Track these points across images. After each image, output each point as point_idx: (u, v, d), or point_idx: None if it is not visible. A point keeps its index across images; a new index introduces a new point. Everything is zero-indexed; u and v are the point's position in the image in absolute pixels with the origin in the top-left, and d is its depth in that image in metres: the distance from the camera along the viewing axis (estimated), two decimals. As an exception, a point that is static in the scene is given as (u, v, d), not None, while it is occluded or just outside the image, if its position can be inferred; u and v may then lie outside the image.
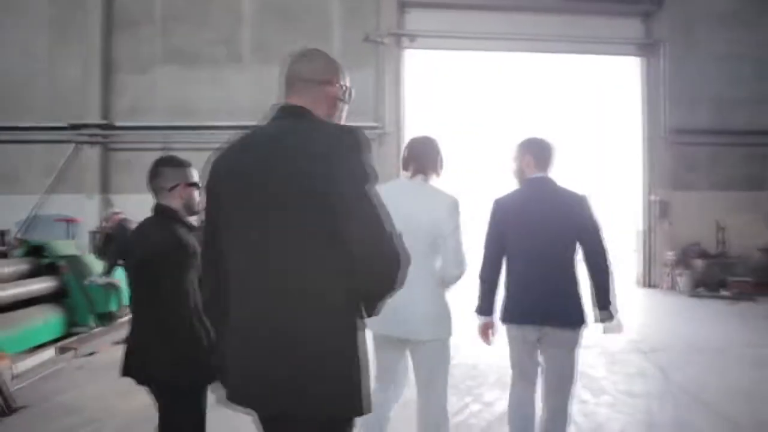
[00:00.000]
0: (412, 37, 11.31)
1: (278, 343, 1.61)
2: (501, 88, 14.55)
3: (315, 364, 1.59)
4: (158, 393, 2.51)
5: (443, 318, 2.85)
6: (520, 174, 3.23)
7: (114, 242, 7.59)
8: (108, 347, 6.49)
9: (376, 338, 2.86)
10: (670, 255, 11.83)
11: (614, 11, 11.99)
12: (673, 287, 11.60)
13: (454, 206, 2.83)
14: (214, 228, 1.79)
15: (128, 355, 2.54)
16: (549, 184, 3.15)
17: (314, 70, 1.82)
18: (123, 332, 6.03)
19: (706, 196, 12.08)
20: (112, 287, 7.40)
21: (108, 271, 7.38)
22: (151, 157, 10.63)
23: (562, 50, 11.92)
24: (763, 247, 11.98)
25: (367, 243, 1.59)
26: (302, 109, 1.75)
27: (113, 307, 7.41)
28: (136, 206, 10.80)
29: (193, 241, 2.49)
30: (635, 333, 7.56)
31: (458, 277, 2.83)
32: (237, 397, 1.69)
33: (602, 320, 3.11)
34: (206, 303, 1.93)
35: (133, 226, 7.73)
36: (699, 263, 11.48)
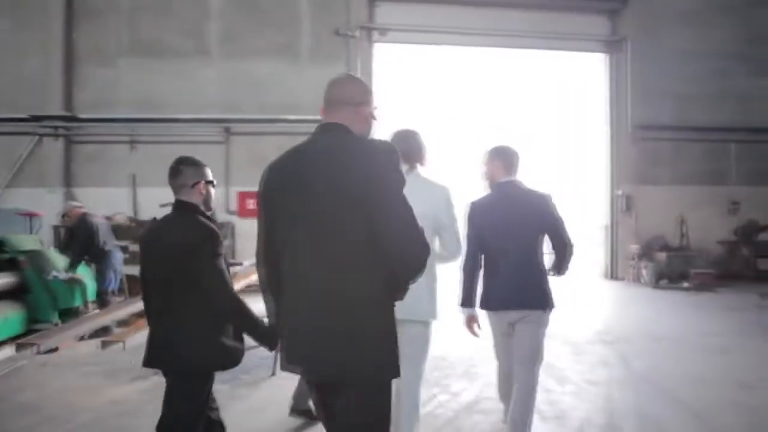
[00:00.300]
0: (383, 31, 11.31)
1: (329, 323, 1.93)
2: (471, 83, 14.63)
3: (359, 339, 1.92)
4: (176, 378, 2.68)
5: (435, 302, 3.14)
6: (491, 178, 3.61)
7: (77, 237, 7.40)
8: (72, 343, 6.35)
9: None
10: (634, 248, 12.13)
11: (581, 8, 12.21)
12: (637, 279, 11.91)
13: (449, 196, 3.18)
14: (270, 224, 2.12)
15: (153, 346, 2.71)
16: (517, 186, 3.57)
17: (352, 94, 2.16)
18: (86, 327, 5.93)
19: (669, 191, 12.42)
20: (76, 282, 7.23)
21: (71, 266, 7.21)
22: (117, 150, 10.48)
23: (531, 46, 12.07)
24: (722, 240, 12.40)
25: (402, 237, 1.94)
26: (342, 126, 2.08)
27: (77, 303, 7.24)
28: (101, 200, 10.64)
29: (219, 230, 2.75)
30: (600, 324, 7.75)
31: (458, 256, 3.30)
32: (295, 368, 2.04)
33: (554, 275, 3.63)
34: (263, 287, 2.21)
35: (97, 220, 7.61)
36: (662, 256, 11.80)
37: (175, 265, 2.62)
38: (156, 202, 10.84)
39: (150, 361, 2.74)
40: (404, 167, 2.88)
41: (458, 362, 5.80)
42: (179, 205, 2.78)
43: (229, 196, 11.21)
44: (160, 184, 11.61)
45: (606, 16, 12.32)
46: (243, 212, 11.30)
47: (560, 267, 3.60)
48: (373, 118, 2.21)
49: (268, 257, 2.15)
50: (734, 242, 12.31)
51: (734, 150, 12.62)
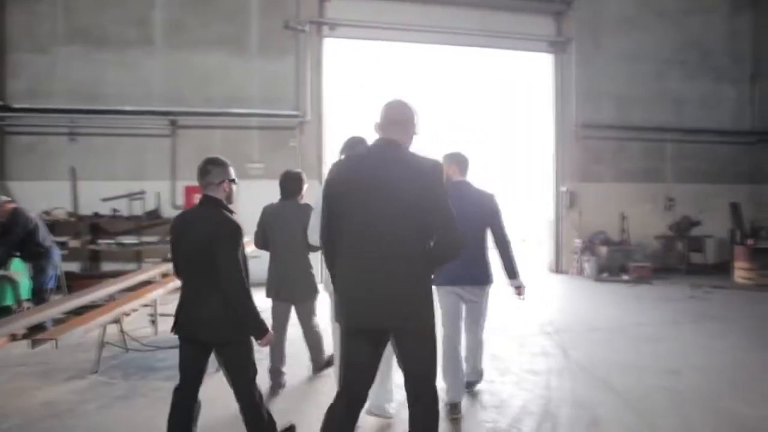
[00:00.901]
0: (333, 26, 11.22)
1: (390, 289, 2.64)
2: (421, 81, 14.78)
3: (416, 296, 2.68)
4: (221, 343, 3.17)
5: None
6: (447, 178, 4.31)
7: (10, 233, 7.04)
8: (3, 342, 6.05)
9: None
10: (577, 242, 12.54)
11: (528, 8, 12.45)
12: (580, 273, 12.31)
13: None
14: (333, 213, 2.77)
15: (181, 315, 3.22)
16: (468, 185, 4.46)
17: (404, 115, 2.80)
18: (18, 325, 5.67)
19: (610, 187, 12.89)
20: (7, 280, 6.91)
21: (2, 264, 6.87)
22: (55, 142, 10.00)
23: (480, 44, 12.22)
24: (659, 235, 12.99)
25: (445, 229, 2.66)
26: (395, 142, 2.76)
27: (9, 302, 6.92)
28: (38, 194, 10.16)
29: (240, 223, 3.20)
30: (543, 316, 7.98)
31: None
32: (357, 323, 2.73)
33: (513, 285, 4.56)
34: (327, 262, 2.92)
35: (32, 214, 7.27)
36: (604, 250, 12.26)
37: (203, 250, 3.07)
38: (97, 196, 10.56)
39: (180, 329, 3.21)
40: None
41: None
42: (206, 200, 3.22)
43: (176, 190, 10.91)
44: (102, 177, 11.30)
45: (551, 18, 12.63)
46: (190, 207, 11.00)
47: (509, 272, 4.50)
48: (416, 133, 2.83)
49: (329, 238, 2.82)
50: (670, 237, 12.90)
51: (670, 149, 13.21)
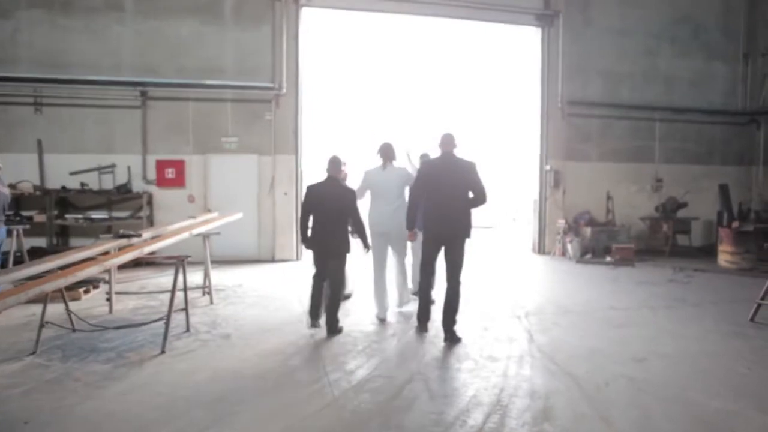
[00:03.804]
0: (310, -6, 10.79)
1: (450, 220, 5.59)
2: (403, 54, 14.35)
3: (462, 224, 5.62)
4: (334, 256, 5.83)
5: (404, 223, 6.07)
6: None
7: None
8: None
9: (373, 233, 6.37)
10: (561, 223, 12.29)
11: (515, -21, 12.00)
12: (563, 254, 12.09)
13: (407, 173, 6.58)
14: (423, 185, 5.68)
15: (318, 240, 5.83)
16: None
17: (452, 139, 5.70)
18: None
19: (596, 167, 12.63)
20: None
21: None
22: (20, 112, 9.59)
23: (464, 16, 11.77)
24: (644, 216, 12.75)
25: (481, 192, 5.61)
26: (450, 152, 5.71)
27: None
28: (2, 166, 9.75)
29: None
30: (515, 298, 7.77)
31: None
32: (434, 234, 5.68)
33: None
34: (412, 209, 5.80)
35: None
36: (588, 231, 12.02)
37: (340, 205, 5.74)
38: (65, 169, 10.23)
39: (321, 250, 5.85)
40: (384, 162, 6.45)
41: (362, 338, 5.66)
42: (332, 179, 5.82)
43: (147, 164, 10.59)
44: (70, 150, 10.84)
45: (539, -11, 12.19)
46: (162, 182, 10.69)
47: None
48: (456, 146, 5.68)
49: (419, 195, 5.68)
50: (655, 218, 12.66)
51: (658, 128, 12.90)
